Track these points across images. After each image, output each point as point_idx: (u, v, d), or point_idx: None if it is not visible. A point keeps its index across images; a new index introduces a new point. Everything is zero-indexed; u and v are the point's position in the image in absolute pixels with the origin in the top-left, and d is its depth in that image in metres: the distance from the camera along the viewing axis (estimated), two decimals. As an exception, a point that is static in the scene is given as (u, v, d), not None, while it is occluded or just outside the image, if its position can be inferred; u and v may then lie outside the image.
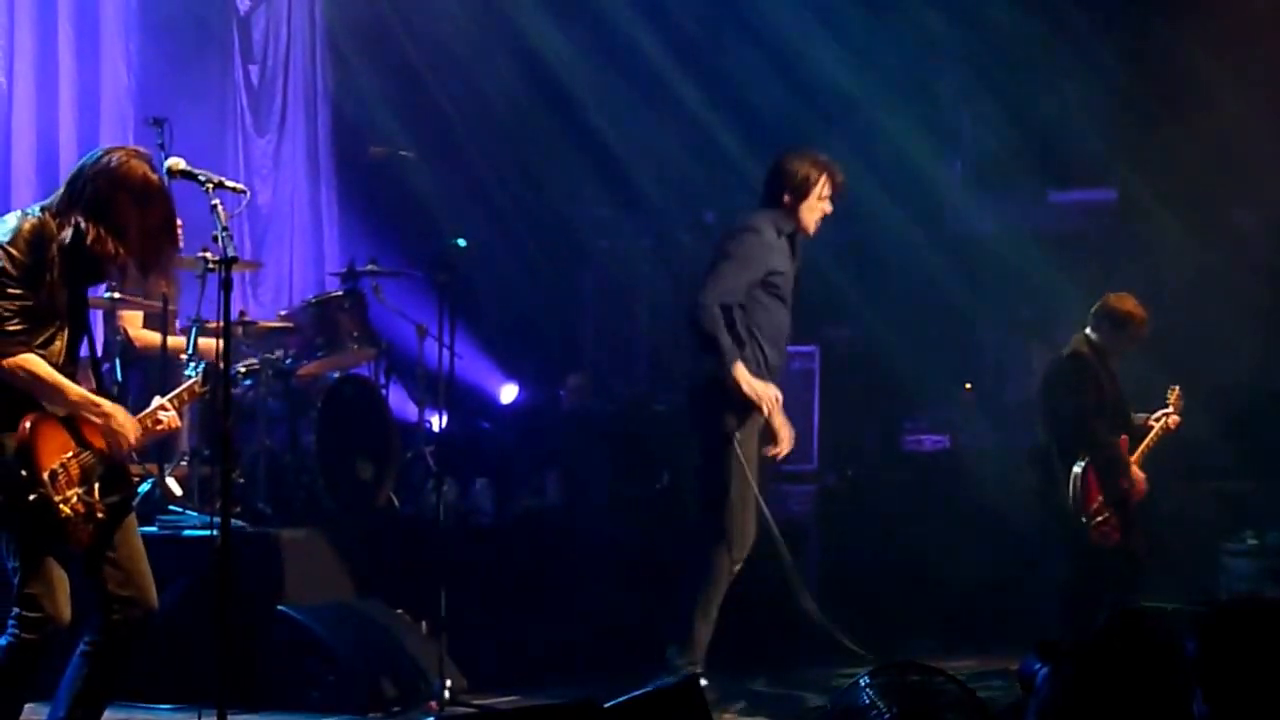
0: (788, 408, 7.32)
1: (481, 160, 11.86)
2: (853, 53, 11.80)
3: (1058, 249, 11.43)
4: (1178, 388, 8.66)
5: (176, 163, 5.51)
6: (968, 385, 11.64)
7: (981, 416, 11.24)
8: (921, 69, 11.98)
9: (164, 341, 7.98)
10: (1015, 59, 11.60)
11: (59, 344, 5.21)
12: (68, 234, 5.12)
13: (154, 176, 5.26)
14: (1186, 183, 10.97)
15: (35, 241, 5.10)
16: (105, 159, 5.24)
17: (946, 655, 8.13)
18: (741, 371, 6.95)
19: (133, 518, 5.40)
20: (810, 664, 8.70)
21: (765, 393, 7.04)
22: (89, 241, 5.12)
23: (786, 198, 7.13)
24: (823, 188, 7.16)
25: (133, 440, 5.29)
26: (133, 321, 8.44)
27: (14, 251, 5.07)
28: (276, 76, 11.16)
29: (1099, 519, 8.32)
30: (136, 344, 8.34)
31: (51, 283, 5.12)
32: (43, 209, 5.21)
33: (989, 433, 10.90)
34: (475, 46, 11.83)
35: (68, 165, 9.29)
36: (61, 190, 5.25)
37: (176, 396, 5.51)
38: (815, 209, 7.18)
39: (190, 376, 6.97)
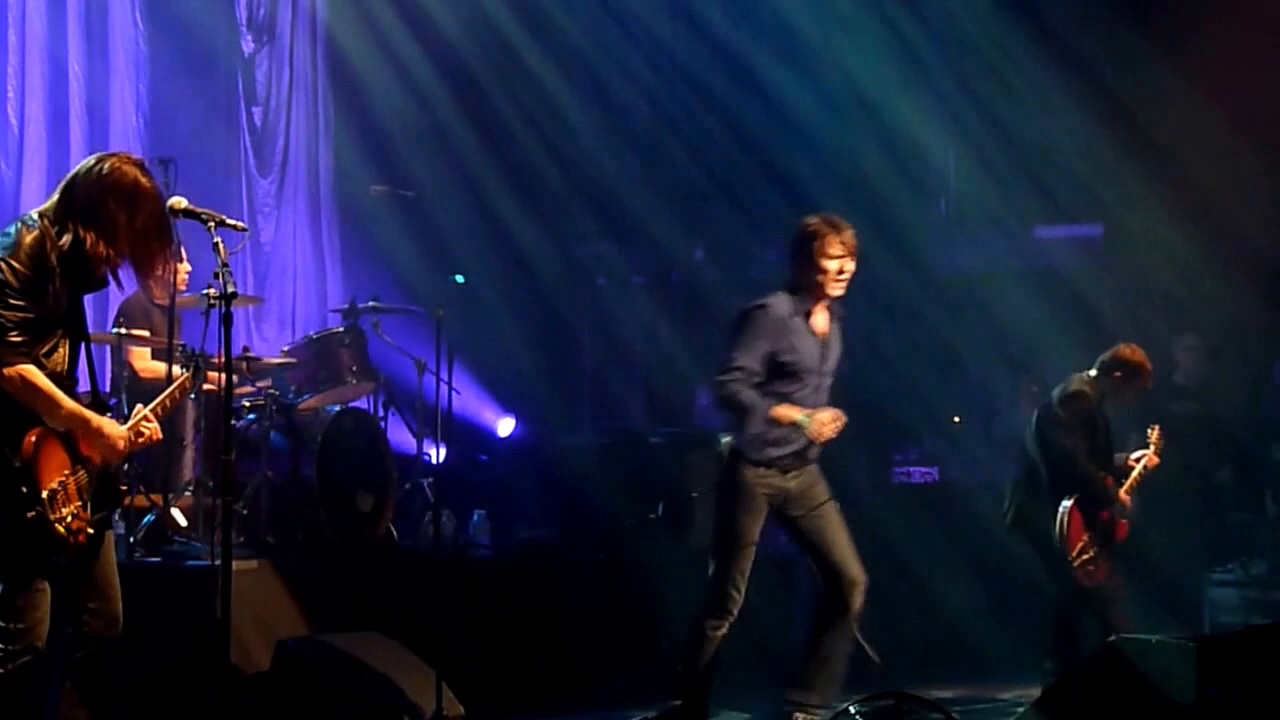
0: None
1: (479, 197, 12.02)
2: (837, 93, 11.98)
3: (1044, 284, 11.54)
4: (1158, 426, 8.53)
5: (179, 201, 5.54)
6: (956, 419, 11.72)
7: (970, 449, 11.29)
8: (906, 107, 12.10)
9: (169, 373, 8.01)
10: (999, 96, 11.73)
11: (61, 353, 5.26)
12: (67, 240, 5.18)
13: (145, 180, 5.30)
14: (1172, 217, 11.02)
15: (36, 252, 5.15)
16: (97, 166, 5.30)
17: (935, 684, 8.23)
18: None
19: (110, 532, 5.44)
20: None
21: None
22: (86, 247, 5.18)
23: None
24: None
25: (122, 451, 5.34)
26: (140, 356, 8.55)
27: (16, 264, 5.11)
28: (279, 118, 11.27)
29: (1084, 558, 8.33)
30: (142, 376, 8.44)
31: (54, 292, 5.17)
32: (41, 215, 5.25)
33: (977, 465, 10.93)
34: (473, 87, 12.00)
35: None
36: (56, 198, 5.30)
37: (159, 404, 5.51)
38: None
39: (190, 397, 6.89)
